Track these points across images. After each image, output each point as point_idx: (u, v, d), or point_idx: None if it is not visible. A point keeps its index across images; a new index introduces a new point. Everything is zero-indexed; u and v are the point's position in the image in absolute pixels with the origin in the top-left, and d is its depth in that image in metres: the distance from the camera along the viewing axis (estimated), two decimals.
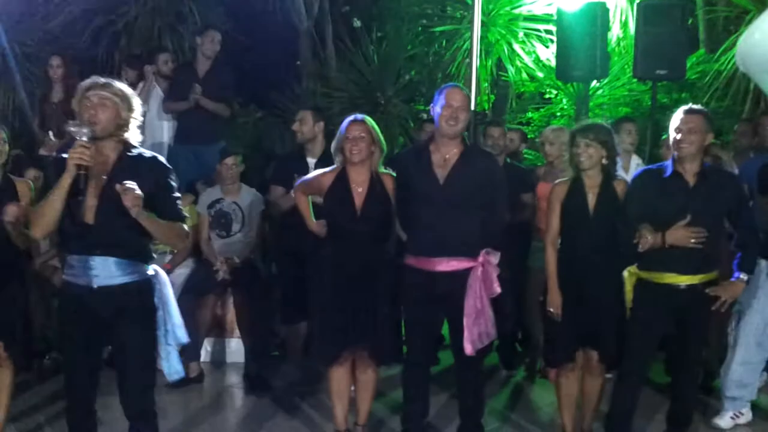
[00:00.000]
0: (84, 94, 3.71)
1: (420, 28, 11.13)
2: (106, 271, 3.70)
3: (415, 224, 4.62)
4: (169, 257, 6.27)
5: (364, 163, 4.65)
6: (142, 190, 3.55)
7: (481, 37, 7.95)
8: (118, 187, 3.54)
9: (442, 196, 4.52)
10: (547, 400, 5.65)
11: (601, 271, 4.53)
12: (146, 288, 3.83)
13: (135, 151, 3.80)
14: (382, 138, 4.72)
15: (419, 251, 4.58)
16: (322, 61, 11.11)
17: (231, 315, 6.41)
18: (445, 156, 4.57)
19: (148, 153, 3.88)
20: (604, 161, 4.54)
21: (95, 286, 3.71)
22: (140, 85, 7.36)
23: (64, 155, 3.64)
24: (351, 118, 4.72)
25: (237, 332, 6.37)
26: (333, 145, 4.76)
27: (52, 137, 6.74)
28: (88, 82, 3.77)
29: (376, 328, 4.60)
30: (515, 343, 6.65)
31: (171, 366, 3.97)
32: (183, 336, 3.95)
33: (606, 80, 9.50)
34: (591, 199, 4.55)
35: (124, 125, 3.75)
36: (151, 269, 3.89)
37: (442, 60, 10.64)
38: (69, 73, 7.19)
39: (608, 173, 4.57)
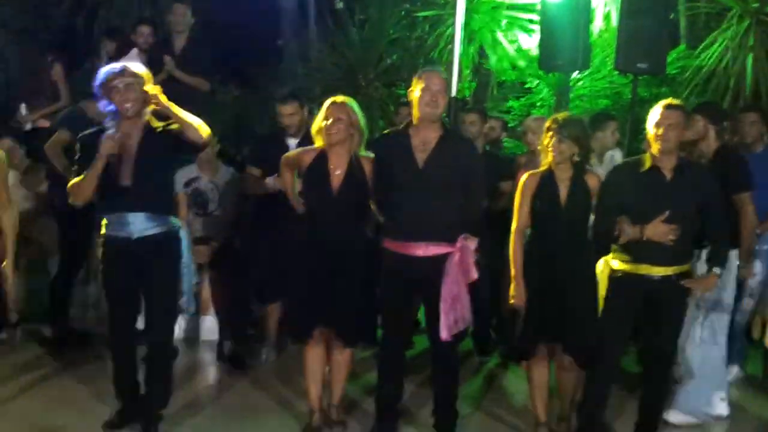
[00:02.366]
0: (113, 80, 4.34)
1: (403, 13, 11.11)
2: (141, 225, 4.42)
3: (393, 208, 4.61)
4: None
5: (342, 145, 4.63)
6: (165, 156, 4.49)
7: (464, 24, 7.95)
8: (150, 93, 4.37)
9: (421, 180, 4.51)
10: (520, 387, 5.66)
11: (570, 265, 4.55)
12: (174, 237, 4.57)
13: (154, 125, 4.48)
14: (363, 121, 4.70)
15: (397, 235, 4.57)
16: (303, 42, 11.05)
17: (206, 292, 6.38)
18: (425, 140, 4.56)
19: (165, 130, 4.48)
20: (575, 158, 4.56)
21: (134, 237, 4.42)
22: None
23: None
24: (331, 99, 4.71)
25: (212, 310, 6.35)
26: (313, 126, 4.75)
27: (23, 111, 6.80)
28: (117, 68, 4.39)
29: (346, 309, 4.62)
30: (490, 330, 6.68)
31: (189, 301, 4.76)
32: (196, 277, 4.95)
33: (587, 72, 9.53)
34: (563, 192, 4.57)
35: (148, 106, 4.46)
36: (178, 222, 4.63)
37: (424, 45, 10.63)
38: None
39: (579, 167, 4.59)
